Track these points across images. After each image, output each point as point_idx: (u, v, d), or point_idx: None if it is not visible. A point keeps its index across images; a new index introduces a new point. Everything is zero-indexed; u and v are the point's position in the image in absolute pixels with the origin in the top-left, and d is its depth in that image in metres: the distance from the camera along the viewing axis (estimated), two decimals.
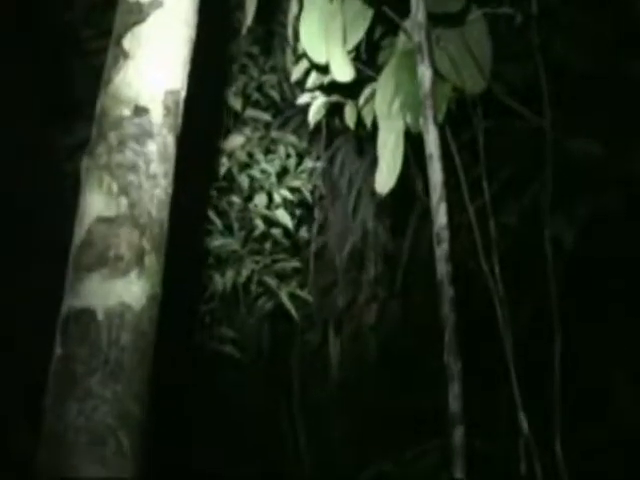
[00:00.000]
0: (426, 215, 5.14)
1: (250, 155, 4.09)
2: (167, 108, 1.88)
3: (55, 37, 4.26)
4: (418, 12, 2.62)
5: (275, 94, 4.38)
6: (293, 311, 3.83)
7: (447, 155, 2.81)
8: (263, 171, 3.97)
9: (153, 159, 1.81)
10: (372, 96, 3.28)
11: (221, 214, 3.90)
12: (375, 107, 3.08)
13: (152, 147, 1.81)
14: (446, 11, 2.85)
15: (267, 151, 4.17)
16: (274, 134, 4.26)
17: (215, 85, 3.99)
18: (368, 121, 3.37)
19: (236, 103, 4.11)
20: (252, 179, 4.01)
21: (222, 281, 3.70)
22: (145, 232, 1.73)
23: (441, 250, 2.38)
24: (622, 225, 4.06)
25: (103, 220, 1.71)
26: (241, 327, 3.92)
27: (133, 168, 1.77)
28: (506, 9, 3.03)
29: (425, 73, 2.54)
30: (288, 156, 4.16)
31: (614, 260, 4.10)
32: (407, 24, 3.03)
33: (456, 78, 3.08)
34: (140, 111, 1.83)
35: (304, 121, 4.72)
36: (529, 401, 3.04)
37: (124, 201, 1.74)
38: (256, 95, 4.32)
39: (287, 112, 4.72)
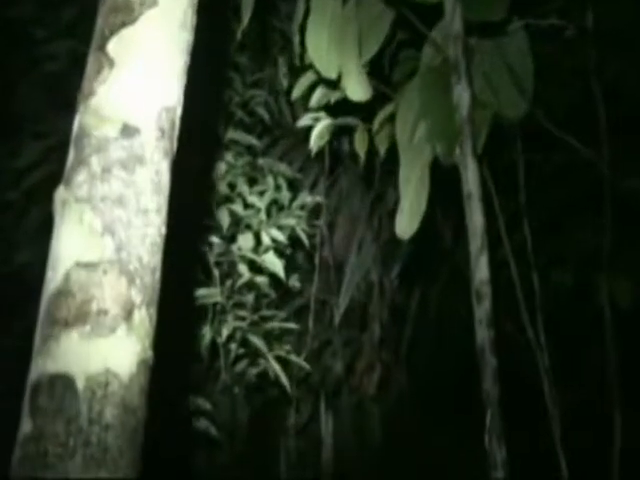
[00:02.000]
0: (442, 262, 5.16)
1: (232, 186, 4.04)
2: (161, 129, 1.86)
3: None
4: (454, 21, 2.62)
5: (263, 112, 4.37)
6: (284, 380, 3.74)
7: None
8: (249, 206, 3.92)
9: (144, 190, 1.77)
10: (389, 119, 3.27)
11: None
12: (396, 134, 3.07)
13: (143, 175, 1.78)
14: (485, 19, 2.85)
15: (252, 181, 4.13)
16: (261, 161, 4.23)
17: (193, 100, 3.97)
18: (382, 149, 3.36)
19: (217, 123, 4.08)
20: (234, 215, 3.94)
21: (198, 340, 3.63)
22: (135, 281, 1.69)
23: (482, 310, 2.34)
24: None
25: (83, 265, 1.67)
26: (219, 397, 3.84)
27: (120, 201, 1.73)
28: (554, 20, 3.02)
29: (463, 95, 2.53)
30: (278, 188, 4.11)
31: None
32: (435, 34, 3.05)
33: (492, 100, 3.08)
34: (129, 131, 1.80)
35: (295, 144, 4.73)
36: None
37: (109, 242, 1.69)
38: (240, 113, 4.29)
39: (275, 133, 4.72)
